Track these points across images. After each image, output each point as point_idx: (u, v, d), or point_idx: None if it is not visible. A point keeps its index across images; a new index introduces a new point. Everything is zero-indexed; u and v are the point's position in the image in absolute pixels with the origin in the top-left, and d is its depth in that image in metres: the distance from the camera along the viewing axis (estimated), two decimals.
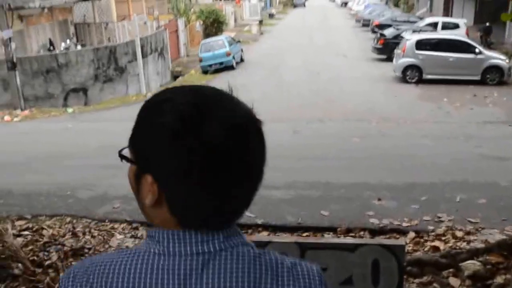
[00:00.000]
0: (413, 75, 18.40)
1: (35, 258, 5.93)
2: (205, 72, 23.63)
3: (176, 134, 0.86)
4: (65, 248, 6.12)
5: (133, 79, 20.06)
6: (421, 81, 18.07)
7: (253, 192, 0.99)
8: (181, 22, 29.71)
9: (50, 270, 5.73)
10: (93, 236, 6.63)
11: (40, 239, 6.45)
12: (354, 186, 7.87)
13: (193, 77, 22.08)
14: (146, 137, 0.91)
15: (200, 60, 23.97)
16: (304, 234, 6.29)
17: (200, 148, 0.85)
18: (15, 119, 14.49)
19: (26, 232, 6.74)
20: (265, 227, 6.66)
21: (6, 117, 14.45)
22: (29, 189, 8.45)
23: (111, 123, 13.64)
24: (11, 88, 15.48)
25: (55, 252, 6.03)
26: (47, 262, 5.82)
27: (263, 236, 6.05)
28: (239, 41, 27.39)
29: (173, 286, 0.86)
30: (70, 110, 16.28)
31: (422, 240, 6.12)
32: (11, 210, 7.56)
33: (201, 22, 34.25)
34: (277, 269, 0.92)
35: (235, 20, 45.61)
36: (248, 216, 6.77)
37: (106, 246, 6.41)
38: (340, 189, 7.80)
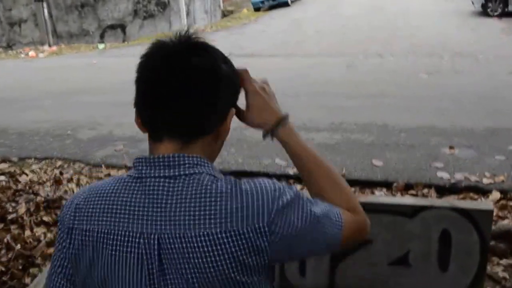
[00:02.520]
0: (495, 7, 15.84)
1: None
2: (257, 9, 21.85)
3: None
4: (38, 198, 4.87)
5: (176, 16, 18.57)
6: (505, 14, 15.48)
7: (194, 107, 1.03)
8: None
9: (13, 226, 4.54)
10: (79, 184, 5.36)
11: (13, 187, 5.25)
12: (418, 130, 6.16)
13: (243, 15, 20.37)
14: None
15: None
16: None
17: (138, 67, 1.09)
18: (41, 55, 13.56)
19: (1, 178, 5.57)
20: (298, 179, 5.16)
21: (31, 53, 13.54)
22: (27, 128, 7.41)
23: (136, 58, 12.31)
24: (38, 22, 14.43)
25: (24, 204, 4.81)
26: (11, 216, 4.61)
27: None
28: None
29: (146, 204, 1.00)
30: (101, 46, 15.16)
31: (511, 203, 4.45)
32: None
33: None
34: (222, 195, 1.00)
35: None
36: (278, 164, 5.30)
37: None
38: (399, 133, 6.12)
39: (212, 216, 0.97)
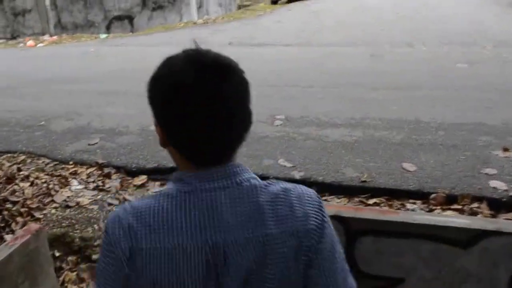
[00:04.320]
0: None
1: None
2: (274, 2, 20.83)
3: (155, 78, 1.10)
4: None
5: (188, 9, 17.63)
6: None
7: (233, 129, 1.08)
8: None
9: None
10: (33, 184, 4.37)
11: None
12: (460, 128, 5.05)
13: (259, 7, 19.34)
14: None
15: None
16: (371, 201, 3.83)
17: (172, 86, 1.04)
18: (40, 44, 12.71)
19: None
20: (307, 184, 4.00)
21: (29, 42, 12.76)
22: None
23: (138, 47, 11.52)
24: (38, 10, 13.62)
25: None
26: None
27: None
28: None
29: (206, 216, 1.05)
30: (103, 36, 14.28)
31: None
32: None
33: None
34: (276, 199, 1.09)
35: None
36: (281, 165, 4.30)
37: (46, 200, 4.14)
38: (436, 131, 5.01)
39: (271, 218, 1.05)
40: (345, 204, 3.81)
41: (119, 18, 16.58)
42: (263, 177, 3.81)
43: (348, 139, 4.96)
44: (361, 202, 3.85)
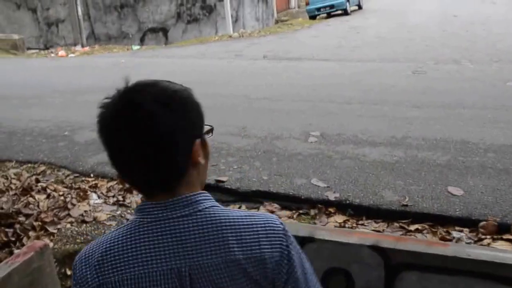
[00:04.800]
0: None
1: None
2: (312, 17, 20.67)
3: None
4: None
5: (223, 22, 17.64)
6: None
7: (162, 166, 1.10)
8: None
9: None
10: (50, 196, 4.24)
11: None
12: None
13: (297, 22, 19.26)
14: None
15: (307, 3, 21.03)
16: (413, 227, 3.54)
17: (99, 123, 1.12)
18: (71, 55, 12.85)
19: None
20: (342, 206, 3.92)
21: (61, 53, 12.92)
22: (22, 126, 6.49)
23: (169, 59, 11.53)
24: (71, 19, 13.81)
25: None
26: None
27: (315, 227, 3.25)
28: None
29: (171, 243, 1.09)
30: (136, 47, 14.37)
31: None
32: None
33: None
34: (240, 226, 1.12)
35: None
36: (315, 185, 4.08)
37: (62, 214, 4.00)
38: (485, 152, 4.68)
39: (236, 244, 1.09)
40: (383, 230, 3.54)
41: (153, 30, 16.70)
42: (294, 198, 3.53)
43: (388, 159, 4.67)
44: (402, 228, 3.57)
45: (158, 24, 16.78)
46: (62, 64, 11.68)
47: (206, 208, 1.13)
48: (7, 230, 3.65)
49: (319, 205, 3.92)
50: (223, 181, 4.41)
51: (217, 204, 1.16)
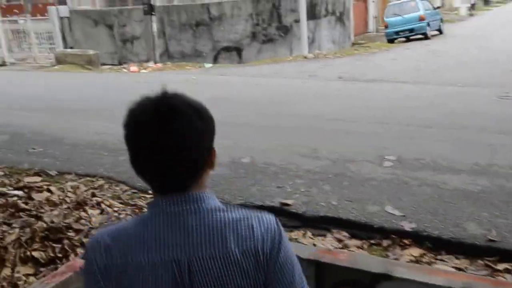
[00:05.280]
0: None
1: None
2: (390, 41, 20.16)
3: (125, 116, 1.26)
4: (39, 224, 3.67)
5: (299, 43, 17.49)
6: None
7: (179, 165, 1.21)
8: None
9: None
10: (103, 212, 4.12)
11: (21, 205, 4.13)
12: None
13: (374, 45, 18.83)
14: None
15: (386, 26, 20.56)
16: (501, 266, 3.17)
17: (131, 124, 1.24)
18: (143, 71, 13.09)
19: (14, 192, 4.53)
20: (418, 238, 3.54)
21: (133, 68, 13.20)
22: (85, 139, 6.52)
23: (241, 77, 11.48)
24: (145, 37, 14.10)
25: (17, 229, 3.63)
26: None
27: (391, 263, 2.88)
28: (438, 7, 23.14)
29: (173, 235, 1.20)
30: (208, 65, 14.44)
31: None
32: (40, 162, 5.64)
33: None
34: (238, 222, 1.24)
35: (442, 5, 41.18)
36: (389, 213, 3.72)
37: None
38: None
39: (233, 238, 1.21)
40: (466, 268, 3.16)
41: (227, 49, 16.80)
42: (366, 226, 3.17)
43: (471, 188, 4.25)
44: (488, 266, 3.19)
45: (233, 43, 16.86)
46: (133, 79, 11.90)
47: (208, 205, 1.24)
48: (55, 245, 3.52)
49: (393, 236, 3.56)
50: (288, 204, 4.14)
51: (219, 203, 1.27)
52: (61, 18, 17.97)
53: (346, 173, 4.75)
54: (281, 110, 7.69)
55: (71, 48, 17.55)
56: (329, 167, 4.96)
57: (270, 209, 4.18)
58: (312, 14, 18.06)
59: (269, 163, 5.18)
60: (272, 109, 7.86)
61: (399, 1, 22.17)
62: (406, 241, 3.50)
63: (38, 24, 18.23)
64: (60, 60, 16.02)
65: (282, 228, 1.29)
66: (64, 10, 18.06)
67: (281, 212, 4.08)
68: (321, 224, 3.87)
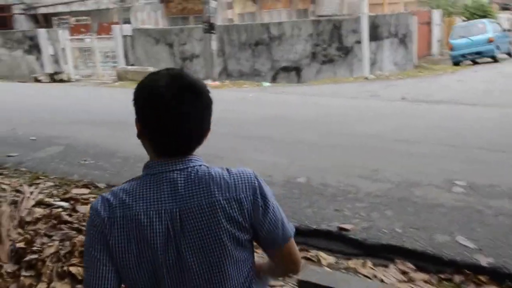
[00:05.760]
0: None
1: (24, 246, 3.44)
2: (456, 63, 19.34)
3: (142, 85, 1.44)
4: (78, 237, 3.48)
5: (360, 64, 17.07)
6: None
7: (189, 134, 1.40)
8: (436, 14, 25.75)
9: (26, 273, 3.19)
10: None
11: (64, 217, 3.96)
12: None
13: (439, 67, 18.13)
14: None
15: (451, 48, 19.78)
16: None
17: (153, 95, 1.38)
18: None
19: (60, 203, 4.38)
20: (496, 275, 3.14)
21: None
22: (136, 152, 6.32)
23: (298, 96, 11.15)
24: (204, 53, 14.06)
25: (57, 242, 3.45)
26: (32, 257, 3.27)
27: None
28: (508, 30, 22.09)
29: (166, 190, 1.37)
30: (266, 84, 14.23)
31: None
32: (90, 173, 5.58)
33: (464, 19, 29.78)
34: (220, 175, 1.41)
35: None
36: (461, 245, 3.31)
37: None
38: None
39: (216, 188, 1.37)
40: None
41: (286, 69, 16.61)
42: (434, 258, 2.73)
43: None
44: None
45: (292, 63, 16.65)
46: None
47: (196, 165, 1.39)
48: None
49: (467, 271, 3.13)
50: (347, 230, 3.78)
51: (205, 163, 1.43)
52: (124, 37, 18.35)
53: (410, 198, 4.34)
54: (340, 129, 7.32)
55: (132, 65, 17.84)
56: (391, 191, 4.56)
57: (327, 234, 3.84)
58: (374, 35, 17.65)
59: (326, 184, 4.83)
60: (330, 128, 7.50)
61: (466, 23, 21.35)
62: (482, 278, 3.08)
63: (103, 42, 18.72)
64: (121, 77, 16.29)
65: (261, 180, 1.44)
66: (127, 29, 18.48)
67: (338, 237, 3.74)
68: (383, 253, 3.49)
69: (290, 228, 1.49)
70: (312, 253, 3.56)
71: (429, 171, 5.05)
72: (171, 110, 1.35)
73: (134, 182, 1.40)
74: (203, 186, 1.36)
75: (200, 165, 1.40)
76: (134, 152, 6.44)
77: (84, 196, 4.85)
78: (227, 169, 1.43)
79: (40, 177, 5.59)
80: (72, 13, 25.15)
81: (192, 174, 1.38)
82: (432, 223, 3.77)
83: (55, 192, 5.02)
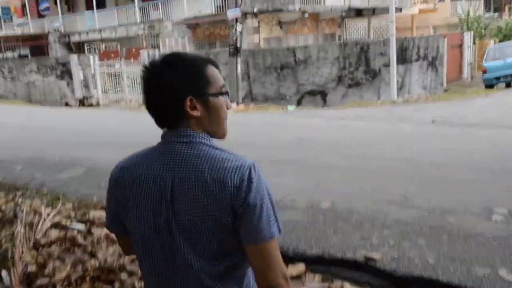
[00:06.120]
0: None
1: (36, 269, 3.25)
2: (489, 86, 18.78)
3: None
4: (92, 262, 3.28)
5: (387, 88, 16.73)
6: None
7: (166, 110, 1.51)
8: (468, 36, 25.29)
9: None
10: None
11: (79, 240, 3.78)
12: None
13: (471, 91, 17.66)
14: None
15: (484, 71, 19.21)
16: None
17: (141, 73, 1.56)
18: None
19: (76, 226, 4.24)
20: None
21: None
22: None
23: (324, 119, 10.85)
24: (229, 76, 13.94)
25: (68, 266, 3.26)
26: (42, 282, 3.07)
27: None
28: None
29: (167, 158, 1.49)
30: (291, 107, 14.01)
31: None
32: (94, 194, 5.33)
33: (497, 41, 29.23)
34: (216, 156, 1.46)
35: None
36: (505, 279, 3.20)
37: None
38: None
39: (207, 167, 1.43)
40: None
41: (311, 93, 16.38)
42: None
43: None
44: None
45: (317, 87, 16.40)
46: None
47: (197, 142, 1.49)
48: (104, 286, 3.08)
49: None
50: (374, 259, 3.48)
51: (209, 143, 1.50)
52: None
53: (445, 226, 4.01)
54: (367, 153, 7.01)
55: None
56: (423, 218, 4.24)
57: (352, 263, 3.55)
58: (403, 58, 17.36)
59: (352, 210, 4.53)
60: (357, 151, 7.20)
61: (500, 45, 20.79)
62: None
63: (131, 67, 18.85)
64: None
65: (257, 172, 1.44)
66: (154, 54, 18.59)
67: (365, 267, 3.44)
68: (415, 286, 3.18)
69: (274, 229, 1.46)
70: (337, 284, 3.28)
71: (465, 198, 4.71)
72: (145, 82, 1.51)
73: (148, 148, 1.55)
74: (196, 163, 1.44)
75: (202, 143, 1.49)
76: None
77: (101, 219, 4.68)
78: (228, 153, 1.47)
79: (60, 198, 5.47)
80: (103, 40, 25.57)
81: (191, 149, 1.47)
82: (469, 254, 3.45)
83: (73, 214, 4.86)
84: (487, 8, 37.54)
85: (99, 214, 4.83)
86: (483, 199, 4.64)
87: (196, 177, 1.42)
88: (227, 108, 1.56)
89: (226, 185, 1.40)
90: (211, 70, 1.54)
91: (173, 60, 1.51)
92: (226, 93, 1.57)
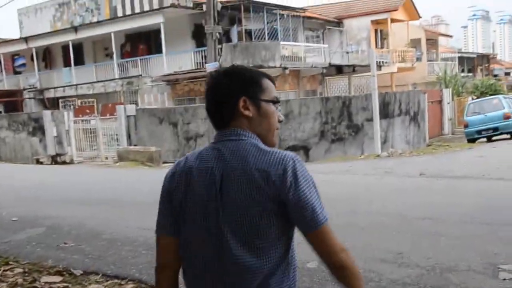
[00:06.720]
0: None
1: None
2: (471, 141, 18.79)
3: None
4: None
5: (371, 142, 16.52)
6: None
7: (222, 109, 1.67)
8: (447, 93, 25.70)
9: None
10: None
11: None
12: None
13: (454, 145, 17.60)
14: None
15: (465, 126, 19.27)
16: None
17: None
18: None
19: None
20: None
21: None
22: (126, 234, 5.70)
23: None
24: (208, 132, 13.62)
25: None
26: None
27: None
28: None
29: (217, 153, 1.62)
30: None
31: None
32: (67, 258, 4.86)
33: (474, 98, 29.96)
34: (262, 151, 1.60)
35: None
36: None
37: None
38: None
39: (252, 160, 1.56)
40: None
41: (294, 148, 16.03)
42: None
43: None
44: None
45: (300, 142, 16.10)
46: None
47: (246, 138, 1.62)
48: None
49: None
50: None
51: (254, 142, 1.62)
52: (128, 117, 18.07)
53: (448, 286, 3.54)
54: (355, 208, 6.57)
55: (135, 145, 17.42)
56: (423, 278, 3.78)
57: None
58: (385, 113, 17.27)
59: None
60: (343, 206, 6.74)
61: (480, 100, 21.06)
62: None
63: (107, 123, 18.45)
64: (122, 157, 15.81)
65: (300, 162, 1.57)
66: (131, 109, 18.24)
67: None
68: None
69: (323, 216, 1.58)
70: None
71: (465, 254, 4.27)
72: (207, 88, 1.71)
73: (203, 147, 1.69)
74: (244, 155, 1.58)
75: (249, 140, 1.62)
76: (123, 233, 5.72)
77: (53, 286, 4.11)
78: (273, 149, 1.60)
79: (10, 262, 4.88)
80: (80, 96, 25.24)
81: (240, 146, 1.60)
82: None
83: (20, 280, 4.28)
84: (461, 68, 39.06)
85: (52, 280, 4.26)
86: (485, 254, 4.21)
87: (243, 168, 1.56)
88: (279, 121, 1.71)
89: (270, 175, 1.53)
90: (266, 82, 1.69)
91: (232, 71, 1.72)
92: (278, 103, 1.71)
